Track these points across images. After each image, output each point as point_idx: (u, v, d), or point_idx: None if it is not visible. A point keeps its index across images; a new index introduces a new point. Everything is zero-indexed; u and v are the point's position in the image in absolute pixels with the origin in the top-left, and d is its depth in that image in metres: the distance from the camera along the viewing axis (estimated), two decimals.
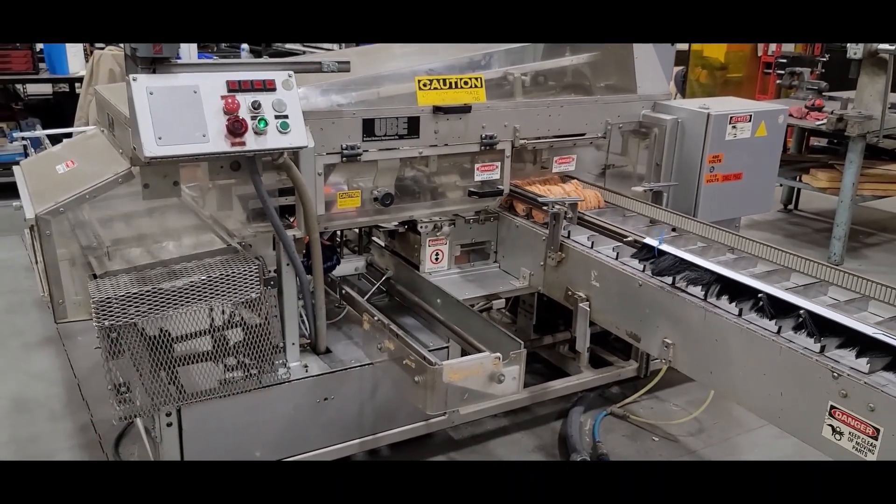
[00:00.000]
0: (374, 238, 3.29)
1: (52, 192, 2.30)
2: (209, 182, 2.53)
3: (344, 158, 2.63)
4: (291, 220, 2.62)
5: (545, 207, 2.83)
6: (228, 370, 2.46)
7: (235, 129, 2.18)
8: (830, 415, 1.92)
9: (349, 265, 3.12)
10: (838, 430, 1.91)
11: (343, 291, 2.95)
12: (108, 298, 2.18)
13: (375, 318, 2.61)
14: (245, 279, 2.39)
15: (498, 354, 2.32)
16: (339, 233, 3.16)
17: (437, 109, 2.77)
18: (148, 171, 2.28)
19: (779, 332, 2.08)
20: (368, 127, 2.66)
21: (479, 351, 2.49)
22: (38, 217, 2.16)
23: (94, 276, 2.28)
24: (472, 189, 2.98)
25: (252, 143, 2.22)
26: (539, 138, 3.09)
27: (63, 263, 2.26)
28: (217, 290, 2.34)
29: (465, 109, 2.84)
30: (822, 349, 1.96)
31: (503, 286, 3.07)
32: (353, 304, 2.87)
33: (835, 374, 1.90)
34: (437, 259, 3.09)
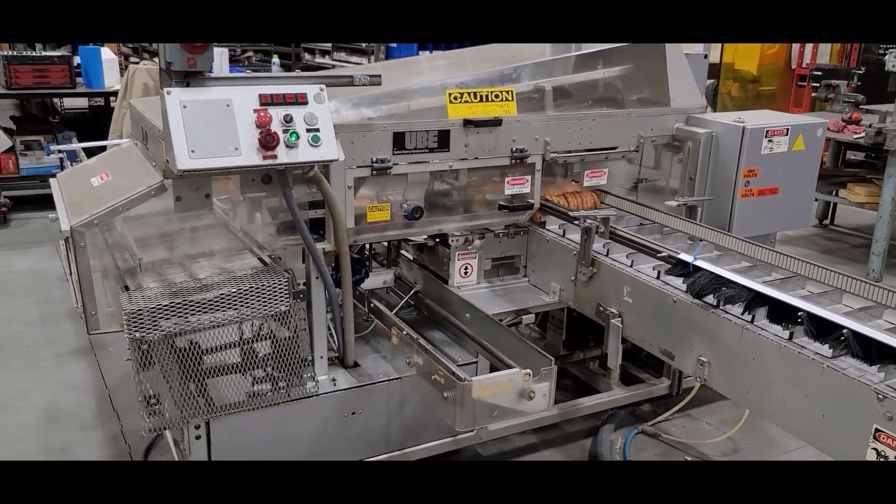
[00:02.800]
0: (402, 251, 3.28)
1: (87, 204, 2.32)
2: (240, 195, 2.54)
3: (374, 172, 2.63)
4: (321, 232, 2.62)
5: (576, 222, 2.80)
6: (257, 383, 2.45)
7: (267, 142, 2.18)
8: (875, 438, 1.85)
9: (378, 278, 3.11)
10: (883, 453, 1.84)
11: (371, 305, 2.93)
12: (139, 310, 2.18)
13: (404, 332, 2.59)
14: (274, 292, 2.38)
15: (528, 370, 2.28)
16: (367, 246, 3.15)
17: (468, 123, 2.76)
18: (180, 184, 2.29)
19: (821, 352, 2.01)
20: (399, 140, 2.65)
21: (509, 367, 2.46)
22: (72, 229, 2.19)
23: (126, 289, 2.30)
24: (501, 203, 2.96)
25: (284, 156, 2.22)
26: (570, 152, 3.06)
27: (96, 275, 2.28)
28: (247, 303, 2.34)
29: (496, 123, 2.82)
30: (868, 370, 1.90)
31: (533, 301, 3.03)
32: (382, 317, 2.85)
33: (880, 396, 1.83)
34: (466, 273, 3.06)
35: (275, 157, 2.21)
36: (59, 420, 3.29)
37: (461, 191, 2.93)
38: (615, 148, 3.19)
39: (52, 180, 2.75)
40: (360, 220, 2.68)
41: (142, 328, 2.20)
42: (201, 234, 2.61)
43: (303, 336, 2.49)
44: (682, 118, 3.29)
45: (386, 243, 3.17)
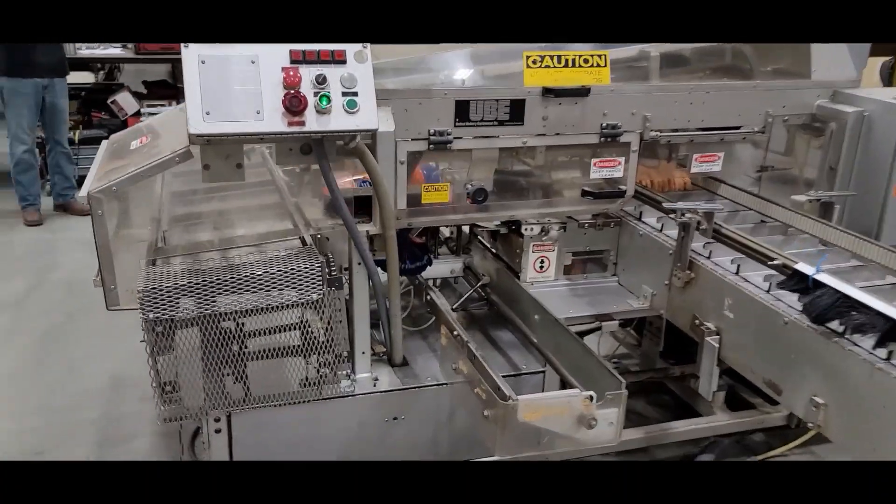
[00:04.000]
0: (478, 237, 2.92)
1: (115, 169, 2.15)
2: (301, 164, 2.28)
3: (431, 146, 2.28)
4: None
5: (672, 216, 2.31)
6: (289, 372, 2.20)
7: (293, 105, 1.89)
8: None
9: (444, 266, 2.77)
10: None
11: (428, 297, 2.61)
12: (154, 288, 1.98)
13: (455, 332, 2.25)
14: (306, 277, 2.11)
15: (590, 393, 1.88)
16: (441, 230, 2.82)
17: (548, 92, 2.34)
18: (209, 151, 2.05)
19: None
20: (462, 110, 2.28)
21: (572, 385, 2.07)
22: (90, 195, 2.01)
23: (154, 263, 2.11)
24: (586, 188, 2.52)
25: (313, 122, 1.93)
26: (676, 131, 2.56)
27: (119, 245, 2.10)
28: (275, 287, 2.08)
29: (583, 92, 2.38)
30: None
31: (618, 306, 2.58)
32: (436, 312, 2.52)
33: None
34: (541, 267, 2.66)
35: (302, 123, 1.92)
36: (122, 388, 3.24)
37: (538, 172, 2.52)
38: (736, 128, 2.65)
39: (103, 142, 2.63)
40: (415, 200, 2.35)
41: (156, 308, 2.00)
42: (243, 207, 2.39)
43: (338, 329, 2.20)
44: (825, 93, 2.69)
45: (455, 228, 2.83)
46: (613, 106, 2.43)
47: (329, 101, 1.92)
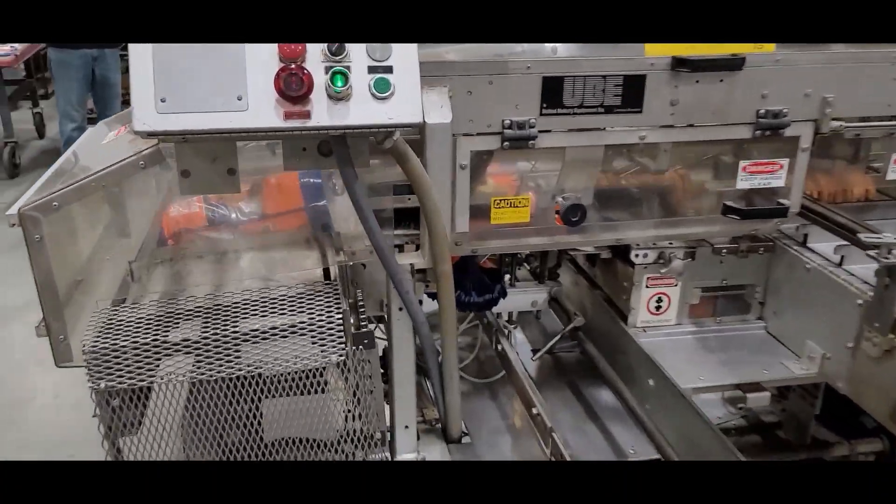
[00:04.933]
0: (569, 259, 2.21)
1: (69, 174, 1.57)
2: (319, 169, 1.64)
3: (507, 143, 1.57)
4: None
5: (870, 253, 1.53)
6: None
7: (291, 88, 1.24)
8: None
9: (523, 298, 2.09)
10: None
11: (499, 346, 1.93)
12: (108, 347, 1.40)
13: (535, 411, 1.57)
14: (323, 332, 1.48)
15: None
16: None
17: (681, 64, 1.59)
18: (187, 152, 1.44)
19: None
20: (553, 91, 1.56)
21: None
22: (20, 213, 1.44)
23: (117, 304, 1.54)
24: (729, 203, 1.75)
25: (322, 114, 1.27)
26: (869, 120, 1.75)
27: (68, 280, 1.53)
28: (274, 348, 1.47)
29: (734, 64, 1.61)
30: None
31: (771, 369, 1.82)
32: (508, 369, 1.85)
33: None
34: (658, 308, 1.93)
35: (305, 114, 1.26)
36: None
37: (658, 179, 1.77)
38: None
39: (89, 130, 2.07)
40: (481, 213, 1.66)
41: (110, 373, 1.42)
42: (247, 226, 1.77)
43: (367, 401, 1.57)
44: None
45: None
46: (778, 84, 1.65)
47: (346, 80, 1.25)
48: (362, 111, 1.29)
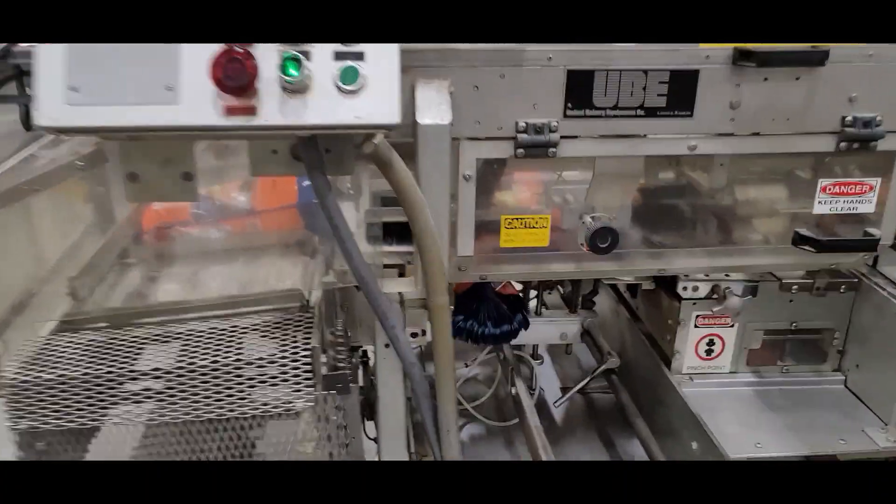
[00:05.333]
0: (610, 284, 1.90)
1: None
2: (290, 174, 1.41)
3: (521, 151, 1.29)
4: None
5: None
6: None
7: (231, 77, 0.99)
8: None
9: (551, 329, 1.79)
10: None
11: (513, 389, 1.64)
12: (27, 385, 1.20)
13: None
14: (288, 372, 1.24)
15: None
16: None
17: (745, 57, 1.26)
18: (134, 153, 1.21)
19: None
20: (579, 88, 1.26)
21: None
22: None
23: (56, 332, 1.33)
24: (802, 232, 1.41)
25: (272, 110, 1.02)
26: None
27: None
28: (236, 384, 1.23)
29: (814, 58, 1.28)
30: None
31: (849, 436, 1.47)
32: (520, 411, 1.56)
33: None
34: (710, 353, 1.60)
35: (251, 110, 1.01)
36: None
37: (713, 198, 1.44)
38: None
39: None
40: (490, 236, 1.38)
41: (32, 413, 1.21)
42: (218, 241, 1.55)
43: (342, 456, 1.32)
44: None
45: None
46: (870, 84, 1.31)
47: (300, 67, 1.00)
48: (324, 108, 1.03)
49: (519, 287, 1.76)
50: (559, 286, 1.93)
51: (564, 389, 1.81)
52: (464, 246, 1.34)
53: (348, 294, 1.54)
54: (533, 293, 1.82)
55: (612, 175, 1.36)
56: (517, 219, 1.35)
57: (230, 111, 1.01)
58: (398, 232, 1.56)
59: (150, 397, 1.23)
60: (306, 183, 1.61)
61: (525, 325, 1.69)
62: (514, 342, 1.70)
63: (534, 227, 1.36)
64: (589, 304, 1.83)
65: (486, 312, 1.64)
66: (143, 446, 1.41)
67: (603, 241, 1.33)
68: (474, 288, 1.63)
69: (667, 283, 1.61)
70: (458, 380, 1.85)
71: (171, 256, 1.57)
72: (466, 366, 1.97)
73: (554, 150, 1.29)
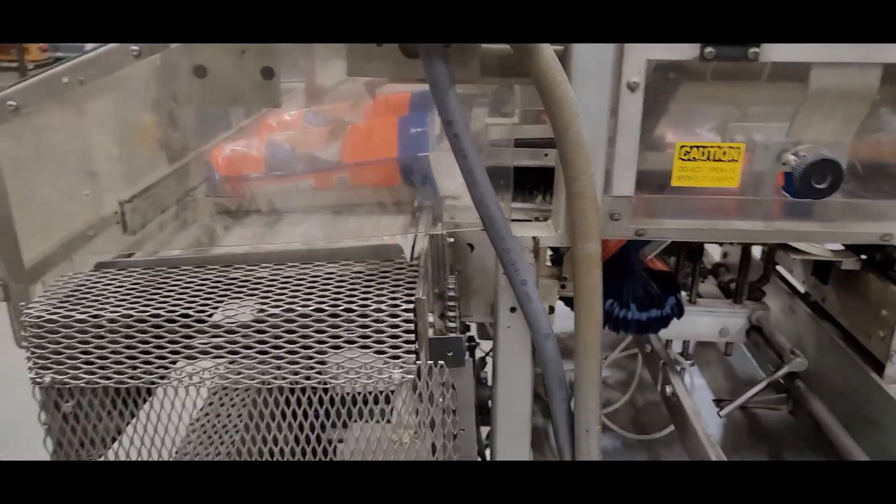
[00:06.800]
0: (782, 266, 1.51)
1: None
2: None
3: (709, 52, 0.94)
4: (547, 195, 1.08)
5: None
6: None
7: None
8: None
9: (708, 322, 1.41)
10: None
11: (667, 389, 1.27)
12: (55, 330, 0.93)
13: None
14: (387, 337, 0.93)
15: None
16: (706, 249, 1.49)
17: None
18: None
19: None
20: None
21: None
22: None
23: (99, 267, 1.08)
24: None
25: None
26: None
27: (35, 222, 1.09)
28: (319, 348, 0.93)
29: None
30: None
31: None
32: (679, 416, 1.19)
33: None
34: None
35: None
36: None
37: None
38: None
39: None
40: (654, 178, 1.03)
41: (59, 365, 0.95)
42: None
43: (448, 450, 0.99)
44: None
45: (739, 247, 1.43)
46: None
47: None
48: None
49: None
50: (713, 274, 1.55)
51: (718, 402, 1.42)
52: (621, 184, 1.00)
53: (461, 255, 1.23)
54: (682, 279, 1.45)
55: (833, 94, 0.99)
56: (698, 147, 0.99)
57: None
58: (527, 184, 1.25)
59: (209, 353, 0.94)
60: (414, 129, 1.34)
61: (679, 311, 1.32)
62: (669, 333, 1.33)
63: (720, 160, 1.00)
64: (757, 295, 1.44)
65: (631, 291, 1.29)
66: (195, 430, 1.14)
67: (821, 178, 0.96)
68: (617, 258, 1.28)
69: (880, 261, 1.22)
70: None
71: (244, 210, 1.30)
72: None
73: (756, 50, 0.94)
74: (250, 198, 1.30)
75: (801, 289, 1.50)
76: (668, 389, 1.27)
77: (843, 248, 1.29)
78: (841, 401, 1.26)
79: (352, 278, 1.00)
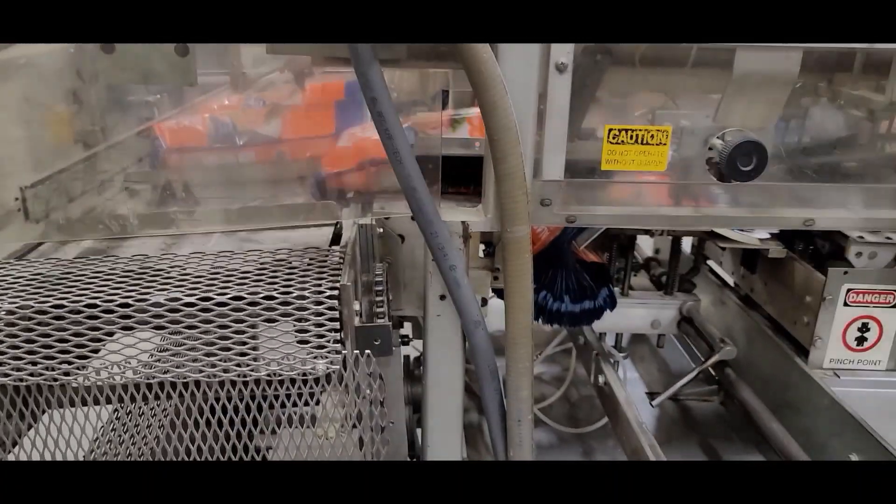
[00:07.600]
0: (710, 259, 1.53)
1: None
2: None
3: None
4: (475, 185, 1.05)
5: None
6: None
7: None
8: None
9: (640, 314, 1.42)
10: None
11: (600, 379, 1.27)
12: None
13: None
14: (307, 320, 0.88)
15: None
16: (636, 241, 1.49)
17: None
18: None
19: None
20: None
21: None
22: None
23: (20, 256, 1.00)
24: None
25: None
26: None
27: None
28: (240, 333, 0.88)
29: None
30: None
31: None
32: (612, 408, 1.18)
33: None
34: (862, 342, 1.21)
35: None
36: None
37: None
38: None
39: None
40: (584, 163, 1.02)
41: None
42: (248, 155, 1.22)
43: (376, 443, 0.95)
44: None
45: (667, 236, 1.44)
46: None
47: None
48: None
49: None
50: (644, 268, 1.56)
51: (651, 395, 1.42)
52: (551, 167, 0.99)
53: (391, 246, 1.19)
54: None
55: (758, 78, 1.00)
56: (626, 130, 0.99)
57: None
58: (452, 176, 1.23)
59: (119, 347, 0.88)
60: (351, 110, 1.32)
61: (612, 303, 1.32)
62: (603, 325, 1.33)
63: (648, 144, 1.00)
64: (688, 287, 1.45)
65: (564, 283, 1.28)
66: (113, 428, 1.07)
67: (746, 161, 0.97)
68: (550, 249, 1.27)
69: (809, 249, 1.24)
70: None
71: (175, 185, 1.24)
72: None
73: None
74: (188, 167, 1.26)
75: (731, 281, 1.52)
76: (601, 379, 1.26)
77: (769, 236, 1.31)
78: (769, 387, 1.28)
79: (273, 266, 0.95)
